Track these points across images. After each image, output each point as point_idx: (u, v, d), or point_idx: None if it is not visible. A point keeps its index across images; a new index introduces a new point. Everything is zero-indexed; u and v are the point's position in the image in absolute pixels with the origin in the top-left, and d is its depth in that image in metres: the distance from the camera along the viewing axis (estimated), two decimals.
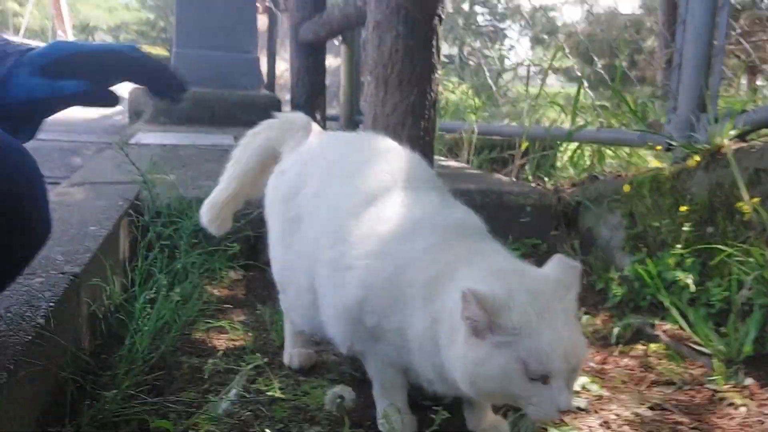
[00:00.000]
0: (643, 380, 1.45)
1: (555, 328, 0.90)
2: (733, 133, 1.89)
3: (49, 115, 0.97)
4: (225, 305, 1.72)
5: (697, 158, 1.91)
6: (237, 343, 1.50)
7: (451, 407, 1.10)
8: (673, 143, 2.20)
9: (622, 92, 3.47)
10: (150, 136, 3.57)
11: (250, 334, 1.55)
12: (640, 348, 1.60)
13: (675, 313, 1.64)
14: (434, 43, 2.49)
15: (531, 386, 0.90)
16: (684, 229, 1.78)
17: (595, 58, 2.97)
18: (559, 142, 2.96)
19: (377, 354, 1.15)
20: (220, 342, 1.50)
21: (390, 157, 1.26)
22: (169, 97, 1.04)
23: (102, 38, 25.15)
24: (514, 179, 2.75)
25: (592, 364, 1.53)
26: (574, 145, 3.13)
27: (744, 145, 1.83)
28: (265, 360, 1.41)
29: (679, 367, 1.50)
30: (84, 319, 1.28)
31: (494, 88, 4.07)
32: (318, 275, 1.19)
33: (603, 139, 2.63)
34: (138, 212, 1.90)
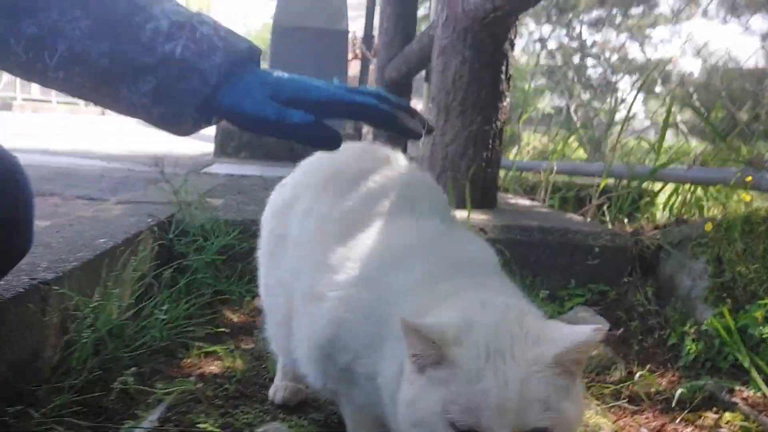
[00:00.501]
0: None
1: (504, 376, 0.69)
2: None
3: (259, 135, 0.95)
4: (237, 332, 1.59)
5: None
6: (229, 372, 1.35)
7: None
8: None
9: (741, 145, 3.09)
10: (223, 167, 3.59)
11: (245, 362, 1.40)
12: (710, 416, 1.30)
13: (756, 375, 1.33)
14: (504, 69, 2.31)
15: None
16: None
17: (700, 109, 2.67)
18: (648, 185, 2.65)
19: (351, 397, 0.97)
20: (213, 368, 1.36)
21: (393, 176, 1.09)
22: (407, 137, 0.99)
23: None
24: (588, 220, 2.47)
25: (644, 431, 1.25)
26: (668, 188, 2.81)
27: None
28: (250, 391, 1.26)
29: None
30: (53, 329, 1.18)
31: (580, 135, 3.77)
32: (294, 307, 1.03)
33: (693, 178, 2.32)
34: (166, 231, 1.82)
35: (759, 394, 1.34)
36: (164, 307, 1.28)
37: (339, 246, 0.98)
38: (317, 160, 1.21)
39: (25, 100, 17.55)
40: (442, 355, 0.72)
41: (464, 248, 1.01)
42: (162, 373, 1.29)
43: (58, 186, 3.67)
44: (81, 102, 19.94)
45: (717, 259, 1.77)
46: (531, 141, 5.56)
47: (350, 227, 1.00)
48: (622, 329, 1.81)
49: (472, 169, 2.28)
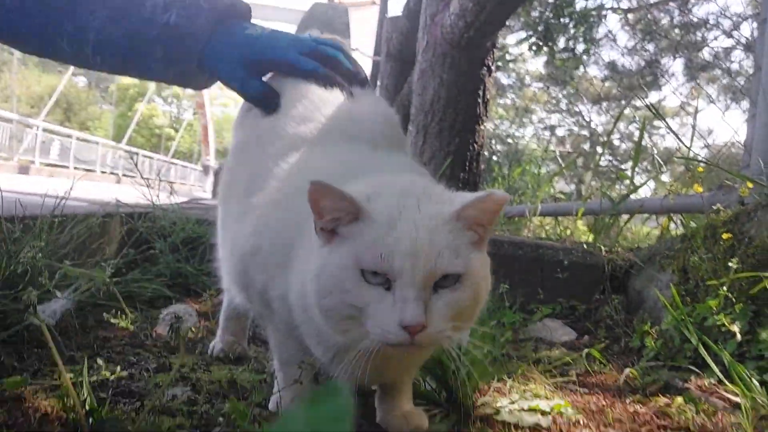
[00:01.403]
0: (647, 423, 1.12)
1: (416, 226, 0.74)
2: None
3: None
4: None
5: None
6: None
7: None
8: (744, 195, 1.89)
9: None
10: None
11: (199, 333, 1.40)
12: (661, 400, 1.26)
13: (710, 361, 1.30)
14: (481, 93, 2.39)
15: (370, 292, 0.72)
16: (730, 264, 1.45)
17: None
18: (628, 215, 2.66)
19: (272, 320, 0.97)
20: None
21: (346, 107, 1.09)
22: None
23: None
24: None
25: (592, 407, 1.21)
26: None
27: None
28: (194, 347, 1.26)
29: (701, 417, 1.15)
30: None
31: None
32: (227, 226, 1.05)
33: (667, 207, 2.33)
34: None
35: (714, 380, 1.31)
36: (110, 262, 1.28)
37: (272, 169, 0.99)
38: (311, 90, 1.13)
39: (42, 164, 18.01)
40: (358, 210, 0.75)
41: (395, 161, 1.01)
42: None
43: None
44: (97, 168, 20.42)
45: (682, 269, 1.76)
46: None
47: (289, 151, 1.01)
48: (587, 336, 1.79)
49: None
